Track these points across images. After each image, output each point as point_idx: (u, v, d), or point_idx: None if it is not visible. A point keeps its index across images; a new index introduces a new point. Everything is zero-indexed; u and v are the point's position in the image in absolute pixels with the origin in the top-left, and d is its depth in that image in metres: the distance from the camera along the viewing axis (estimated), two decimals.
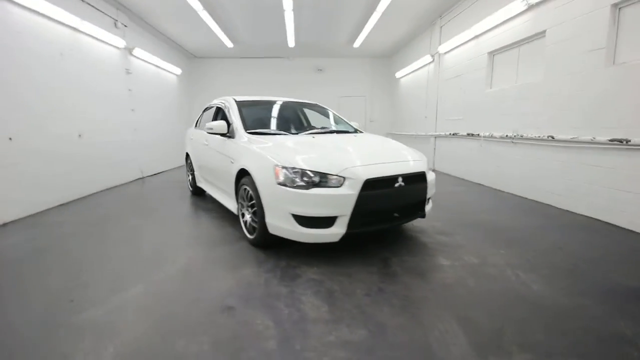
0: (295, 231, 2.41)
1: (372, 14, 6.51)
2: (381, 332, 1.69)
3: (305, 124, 4.03)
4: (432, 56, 7.48)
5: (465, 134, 6.10)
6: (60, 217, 3.87)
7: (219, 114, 4.23)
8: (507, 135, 4.91)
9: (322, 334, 1.68)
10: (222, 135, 3.44)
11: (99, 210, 4.25)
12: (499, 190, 5.18)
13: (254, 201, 2.72)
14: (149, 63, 7.57)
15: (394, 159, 2.73)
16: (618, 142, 3.21)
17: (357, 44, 8.75)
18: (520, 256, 2.63)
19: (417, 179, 2.69)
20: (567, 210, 3.91)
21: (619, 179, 3.27)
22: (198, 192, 5.07)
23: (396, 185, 2.52)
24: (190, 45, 8.97)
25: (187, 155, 5.27)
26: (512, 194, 4.90)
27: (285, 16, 6.46)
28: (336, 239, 2.41)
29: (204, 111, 4.94)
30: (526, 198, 4.60)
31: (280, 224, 2.47)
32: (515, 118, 4.81)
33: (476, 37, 5.66)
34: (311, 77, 10.86)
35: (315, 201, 2.33)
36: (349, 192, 2.34)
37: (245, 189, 2.85)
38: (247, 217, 2.94)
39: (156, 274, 2.38)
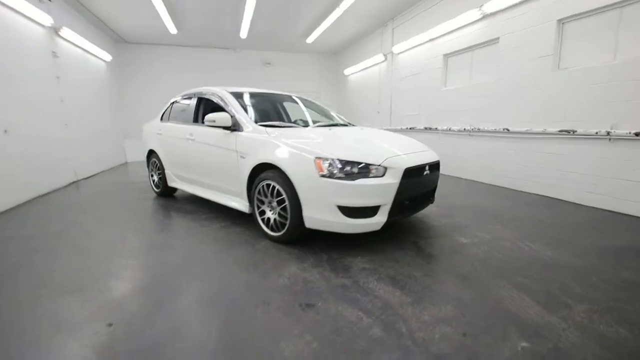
0: (340, 222, 2.40)
1: (334, 9, 6.63)
2: (463, 306, 1.83)
3: (307, 117, 3.96)
4: (385, 55, 7.96)
5: (422, 127, 6.70)
6: None
7: (203, 106, 3.88)
8: (464, 129, 5.57)
9: (415, 315, 1.74)
10: (225, 128, 3.18)
11: (49, 224, 3.52)
12: (458, 178, 5.86)
13: (282, 196, 2.61)
14: (78, 46, 6.43)
15: (417, 149, 2.91)
16: (566, 132, 3.95)
17: (311, 39, 8.80)
18: (517, 230, 3.07)
19: (435, 167, 2.93)
20: (521, 191, 4.65)
21: (566, 162, 4.03)
22: (167, 193, 4.57)
23: (425, 173, 2.71)
24: (123, 28, 7.86)
25: (151, 152, 4.69)
26: (470, 180, 5.60)
27: (247, 1, 6.14)
28: (378, 227, 2.48)
29: (172, 104, 4.45)
30: (484, 183, 5.31)
31: (322, 217, 2.43)
32: (470, 113, 5.48)
33: (432, 40, 6.23)
34: (259, 71, 10.53)
35: (362, 191, 2.36)
36: (392, 181, 2.43)
37: (269, 184, 2.71)
38: (269, 214, 2.81)
39: (204, 287, 2.13)
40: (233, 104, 3.33)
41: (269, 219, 2.82)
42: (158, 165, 4.52)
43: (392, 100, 7.92)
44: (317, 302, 1.88)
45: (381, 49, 8.13)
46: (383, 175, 2.44)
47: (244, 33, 8.17)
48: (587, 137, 3.76)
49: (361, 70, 9.44)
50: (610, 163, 3.58)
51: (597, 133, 3.64)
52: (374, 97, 8.78)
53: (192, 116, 3.89)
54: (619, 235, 2.94)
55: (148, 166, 4.86)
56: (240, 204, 3.16)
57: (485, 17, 4.99)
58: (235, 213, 3.67)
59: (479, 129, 5.28)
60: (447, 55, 6.00)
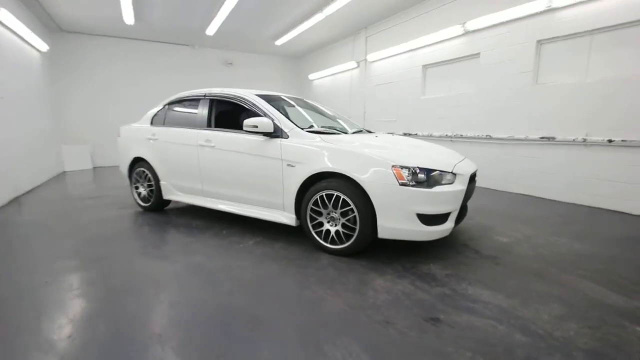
0: (418, 230, 2.39)
1: (316, 13, 6.59)
2: (563, 301, 1.98)
3: (338, 123, 3.85)
4: (358, 62, 8.19)
5: (401, 133, 7.05)
6: None
7: (217, 109, 3.53)
8: (446, 135, 6.02)
9: (536, 316, 1.83)
10: (264, 134, 2.92)
11: (30, 274, 2.81)
12: None
13: (349, 206, 2.50)
14: (13, 32, 5.26)
15: (462, 157, 3.05)
16: (546, 139, 4.55)
17: (281, 41, 8.60)
18: (537, 227, 3.42)
19: (475, 175, 3.11)
20: (505, 191, 5.20)
21: (547, 165, 4.64)
22: (158, 208, 4.01)
23: (475, 180, 2.86)
24: (64, 14, 6.67)
25: (136, 160, 4.07)
26: None
27: None
28: (447, 233, 2.54)
29: (167, 106, 3.93)
30: None
31: (398, 226, 2.40)
32: (452, 121, 5.95)
33: (411, 50, 6.61)
34: (219, 71, 9.92)
35: (440, 199, 2.39)
36: (461, 188, 2.51)
37: (331, 194, 2.57)
38: (328, 226, 2.67)
39: (308, 313, 1.92)
40: (268, 108, 3.09)
41: (327, 231, 2.68)
42: (148, 175, 3.94)
43: (365, 106, 8.16)
44: (439, 314, 1.85)
45: (353, 56, 8.34)
46: (453, 182, 2.51)
47: (211, 30, 7.62)
48: (565, 143, 4.39)
49: (329, 76, 9.53)
50: (586, 165, 4.23)
51: (574, 140, 4.27)
52: (344, 102, 8.94)
53: (204, 120, 3.49)
54: (612, 227, 3.48)
55: (130, 177, 4.19)
56: (284, 216, 2.93)
57: (467, 33, 5.48)
58: (256, 225, 3.40)
59: (461, 135, 5.76)
60: (426, 66, 6.42)
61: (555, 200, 4.57)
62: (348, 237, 2.58)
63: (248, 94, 3.28)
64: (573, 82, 4.30)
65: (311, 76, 10.21)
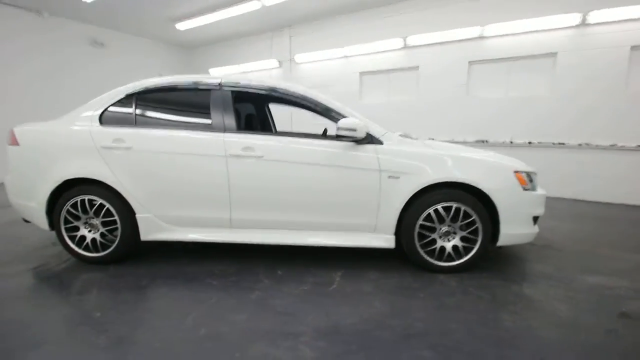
0: (531, 233, 2.46)
1: (248, 1, 5.75)
2: None
3: None
4: (280, 62, 7.69)
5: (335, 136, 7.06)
6: None
7: (240, 105, 2.58)
8: None
9: None
10: (355, 140, 2.33)
11: None
12: None
13: (472, 217, 2.31)
14: None
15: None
16: (481, 142, 5.57)
17: (185, 26, 7.06)
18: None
19: None
20: None
21: None
22: (118, 257, 2.55)
23: None
24: None
25: (72, 184, 2.48)
26: None
27: None
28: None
29: (137, 95, 2.56)
30: None
31: (519, 231, 2.40)
32: (392, 126, 6.41)
33: (347, 57, 6.72)
34: (81, 54, 7.28)
35: (543, 200, 2.52)
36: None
37: (451, 207, 2.31)
38: (441, 242, 2.38)
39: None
40: (340, 107, 2.49)
41: (441, 249, 2.38)
42: (106, 207, 2.45)
43: (292, 109, 7.75)
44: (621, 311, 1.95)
45: (272, 54, 7.79)
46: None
47: None
48: (496, 144, 5.48)
49: (241, 73, 8.54)
50: None
51: (503, 142, 5.40)
52: None
53: (229, 121, 2.47)
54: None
55: (59, 212, 2.49)
56: (376, 239, 2.43)
57: (407, 47, 6.03)
58: (299, 255, 2.70)
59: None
60: (363, 73, 6.68)
61: None
62: (457, 252, 2.38)
63: (293, 87, 2.61)
64: (497, 97, 5.43)
65: (214, 71, 8.88)
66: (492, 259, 2.68)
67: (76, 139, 2.47)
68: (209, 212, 2.47)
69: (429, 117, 6.04)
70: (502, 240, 2.39)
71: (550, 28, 4.82)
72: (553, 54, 4.93)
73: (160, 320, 1.83)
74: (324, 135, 3.07)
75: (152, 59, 8.63)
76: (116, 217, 2.46)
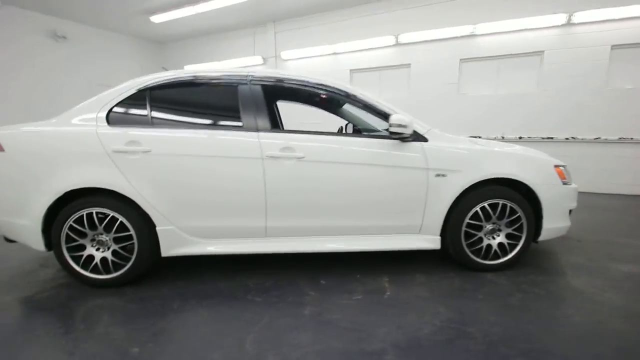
0: (567, 226, 2.49)
1: None
2: None
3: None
4: (265, 59, 7.39)
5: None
6: None
7: (272, 102, 2.37)
8: None
9: None
10: (402, 138, 2.21)
11: None
12: None
13: (517, 214, 2.29)
14: None
15: None
16: (474, 137, 5.69)
17: (160, 18, 6.53)
18: None
19: None
20: None
21: None
22: (132, 278, 2.22)
23: None
24: None
25: (76, 195, 2.11)
26: None
27: None
28: None
29: (150, 90, 2.25)
30: None
31: (558, 225, 2.42)
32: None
33: (337, 54, 6.59)
34: (38, 47, 6.49)
35: (576, 194, 2.56)
36: None
37: (497, 204, 2.26)
38: (488, 241, 2.34)
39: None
40: (381, 102, 2.39)
41: (488, 247, 2.33)
42: (120, 221, 2.12)
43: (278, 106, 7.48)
44: None
45: (256, 51, 7.47)
46: None
47: None
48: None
49: None
50: None
51: (495, 138, 5.57)
52: None
53: (263, 119, 2.24)
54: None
55: (59, 229, 2.10)
56: (421, 240, 2.33)
57: (399, 45, 6.03)
58: (333, 261, 2.55)
59: None
60: (353, 71, 6.60)
61: None
62: (504, 250, 2.36)
63: (334, 83, 2.43)
64: (488, 94, 5.59)
65: (190, 68, 8.33)
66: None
67: (80, 143, 2.10)
68: (241, 221, 2.22)
69: (421, 114, 6.04)
70: (544, 235, 2.39)
71: (537, 27, 5.04)
72: (540, 52, 5.16)
73: (215, 351, 1.57)
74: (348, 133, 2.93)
75: (122, 55, 7.95)
76: (132, 232, 2.13)
